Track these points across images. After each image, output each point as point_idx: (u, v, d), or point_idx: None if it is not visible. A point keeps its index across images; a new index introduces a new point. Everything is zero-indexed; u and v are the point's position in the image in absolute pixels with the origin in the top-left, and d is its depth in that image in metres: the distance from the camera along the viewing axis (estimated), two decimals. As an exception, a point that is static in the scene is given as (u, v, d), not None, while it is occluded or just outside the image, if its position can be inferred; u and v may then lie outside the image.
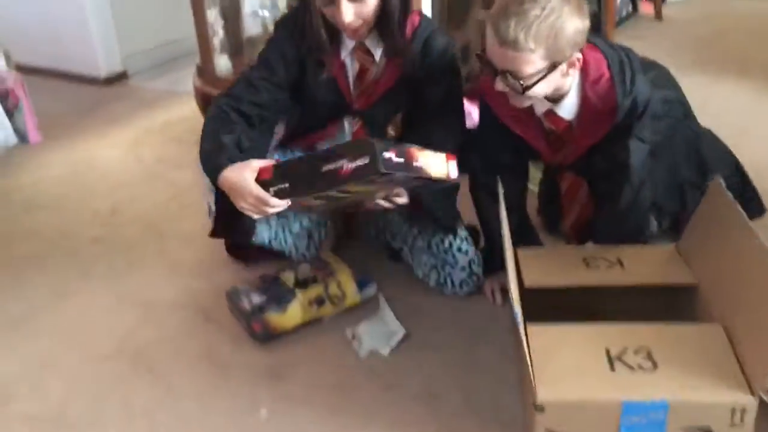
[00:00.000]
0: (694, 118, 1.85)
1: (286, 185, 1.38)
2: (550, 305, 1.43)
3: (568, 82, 1.49)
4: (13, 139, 2.80)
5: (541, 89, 1.43)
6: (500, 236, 1.46)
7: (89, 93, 3.50)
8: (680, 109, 1.76)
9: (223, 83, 2.53)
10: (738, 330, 1.29)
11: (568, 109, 1.54)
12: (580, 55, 1.42)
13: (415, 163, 1.32)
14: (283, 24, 1.66)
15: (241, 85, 1.61)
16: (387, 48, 1.59)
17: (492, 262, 1.75)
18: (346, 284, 1.74)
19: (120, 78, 3.64)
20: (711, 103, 2.75)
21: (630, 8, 4.27)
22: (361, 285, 1.77)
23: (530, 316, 1.34)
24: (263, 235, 1.74)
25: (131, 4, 3.63)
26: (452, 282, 1.74)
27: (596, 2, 3.29)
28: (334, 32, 1.58)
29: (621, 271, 1.55)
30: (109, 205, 2.38)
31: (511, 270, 1.37)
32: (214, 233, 1.78)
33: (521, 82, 1.38)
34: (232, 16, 2.91)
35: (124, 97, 3.45)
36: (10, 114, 2.79)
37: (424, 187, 1.52)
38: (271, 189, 1.39)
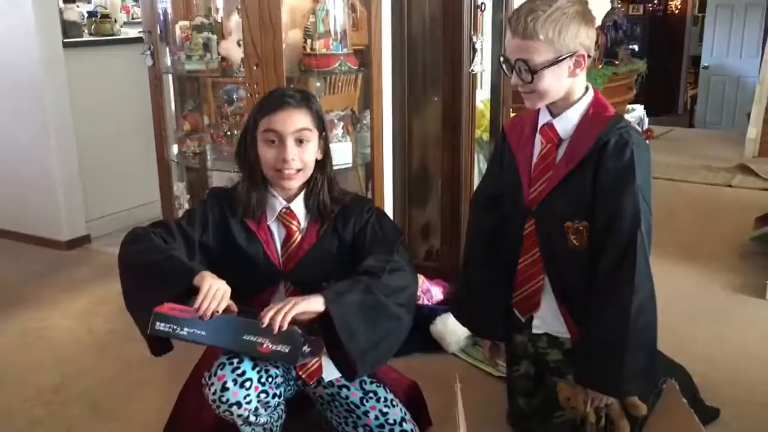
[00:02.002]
0: None
1: (203, 333, 1.47)
2: None
3: (576, 88, 1.58)
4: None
5: (550, 81, 1.52)
6: (481, 292, 1.78)
7: (49, 256, 3.48)
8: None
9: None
10: None
11: (565, 124, 1.60)
12: (584, 52, 1.53)
13: (320, 353, 1.56)
14: (214, 191, 1.81)
15: (159, 226, 1.69)
16: (311, 210, 1.72)
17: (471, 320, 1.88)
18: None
19: (82, 242, 3.64)
20: (660, 288, 2.81)
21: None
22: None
23: None
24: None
25: (99, 169, 3.71)
26: None
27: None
28: (263, 201, 1.71)
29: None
30: (53, 381, 2.28)
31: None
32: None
33: (531, 69, 1.50)
34: (198, 189, 2.99)
35: (84, 261, 3.43)
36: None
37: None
38: (186, 329, 1.47)
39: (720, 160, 5.41)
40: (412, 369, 2.07)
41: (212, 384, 1.53)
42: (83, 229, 3.66)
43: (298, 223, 1.72)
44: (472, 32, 2.60)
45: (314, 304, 1.47)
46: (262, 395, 1.56)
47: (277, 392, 1.60)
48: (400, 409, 1.74)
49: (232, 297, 1.60)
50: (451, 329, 2.39)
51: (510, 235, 1.72)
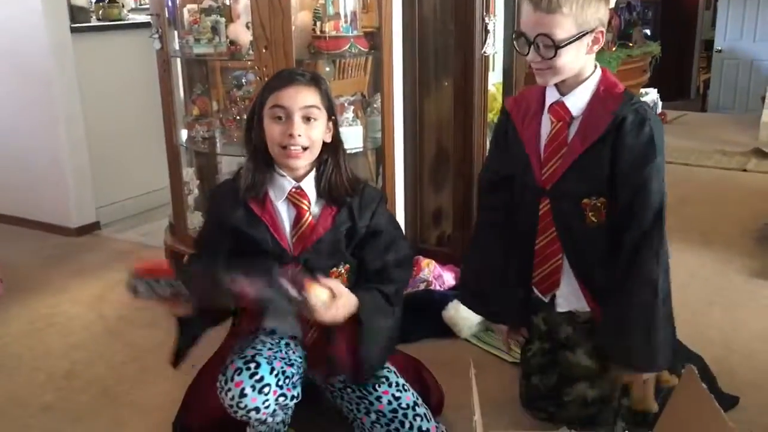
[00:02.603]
0: None
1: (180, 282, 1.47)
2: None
3: (588, 65, 1.56)
4: (-27, 292, 2.73)
5: (570, 57, 1.50)
6: (492, 275, 1.74)
7: (59, 243, 3.47)
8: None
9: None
10: None
11: (576, 101, 1.58)
12: (602, 29, 1.52)
13: (303, 293, 1.47)
14: (210, 193, 1.86)
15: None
16: (323, 194, 1.68)
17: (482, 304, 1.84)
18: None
19: (92, 228, 3.63)
20: (677, 273, 2.78)
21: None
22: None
23: None
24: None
25: (109, 155, 3.70)
26: None
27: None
28: (266, 178, 1.68)
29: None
30: (64, 367, 2.28)
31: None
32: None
33: (556, 44, 1.47)
34: (208, 175, 2.97)
35: (94, 248, 3.42)
36: (-28, 267, 2.74)
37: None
38: (163, 282, 1.46)
39: (734, 144, 5.34)
40: (424, 355, 2.05)
41: (229, 390, 1.51)
42: (93, 216, 3.65)
43: (309, 203, 1.68)
44: (485, 13, 2.56)
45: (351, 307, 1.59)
46: (281, 398, 1.55)
47: (295, 393, 1.60)
48: (412, 394, 1.72)
49: None
50: (464, 315, 2.37)
51: (523, 215, 1.69)
